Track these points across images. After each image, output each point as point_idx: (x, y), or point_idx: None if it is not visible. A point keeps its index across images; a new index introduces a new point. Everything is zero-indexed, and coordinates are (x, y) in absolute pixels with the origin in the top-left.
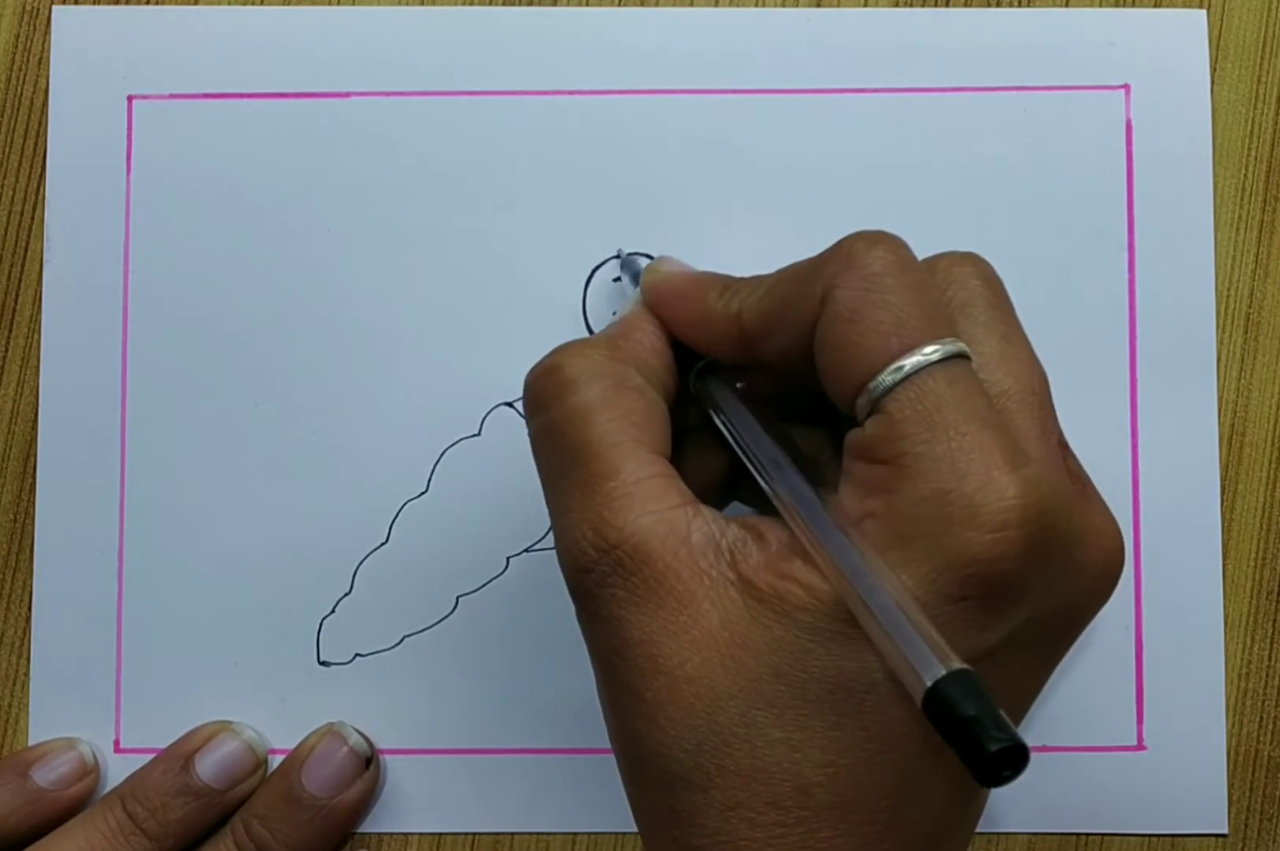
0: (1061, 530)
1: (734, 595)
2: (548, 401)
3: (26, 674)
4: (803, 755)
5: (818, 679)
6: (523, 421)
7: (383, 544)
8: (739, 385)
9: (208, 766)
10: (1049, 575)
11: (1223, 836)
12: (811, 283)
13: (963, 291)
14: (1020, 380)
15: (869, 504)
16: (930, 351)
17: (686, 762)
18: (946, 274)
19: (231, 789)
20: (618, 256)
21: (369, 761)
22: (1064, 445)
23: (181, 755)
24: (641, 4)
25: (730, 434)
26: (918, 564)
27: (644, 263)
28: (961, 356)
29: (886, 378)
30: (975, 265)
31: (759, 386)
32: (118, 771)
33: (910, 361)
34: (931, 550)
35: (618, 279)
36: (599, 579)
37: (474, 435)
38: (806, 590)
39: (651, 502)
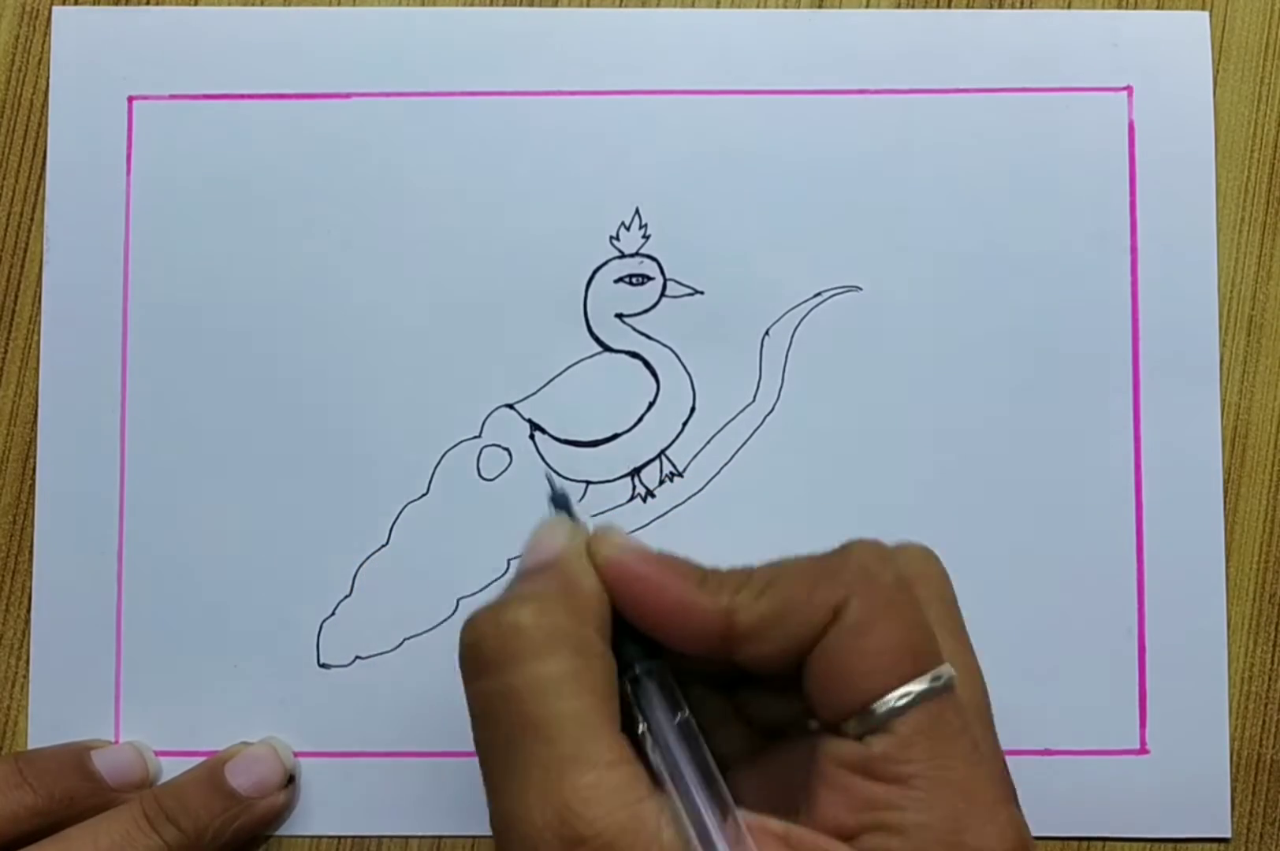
0: None
1: None
2: (504, 664)
3: (26, 674)
4: None
5: None
6: (524, 423)
7: (383, 546)
8: (683, 715)
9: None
10: None
11: (1225, 840)
12: (822, 589)
13: (926, 589)
14: (972, 691)
15: (872, 817)
16: (937, 678)
17: None
18: (908, 566)
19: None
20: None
21: (291, 778)
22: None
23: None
24: (643, 4)
25: (659, 753)
26: None
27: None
28: (952, 682)
29: (898, 701)
30: (936, 563)
31: (682, 662)
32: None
33: (919, 689)
34: None
35: (618, 280)
36: None
37: (474, 437)
38: None
39: (622, 794)
